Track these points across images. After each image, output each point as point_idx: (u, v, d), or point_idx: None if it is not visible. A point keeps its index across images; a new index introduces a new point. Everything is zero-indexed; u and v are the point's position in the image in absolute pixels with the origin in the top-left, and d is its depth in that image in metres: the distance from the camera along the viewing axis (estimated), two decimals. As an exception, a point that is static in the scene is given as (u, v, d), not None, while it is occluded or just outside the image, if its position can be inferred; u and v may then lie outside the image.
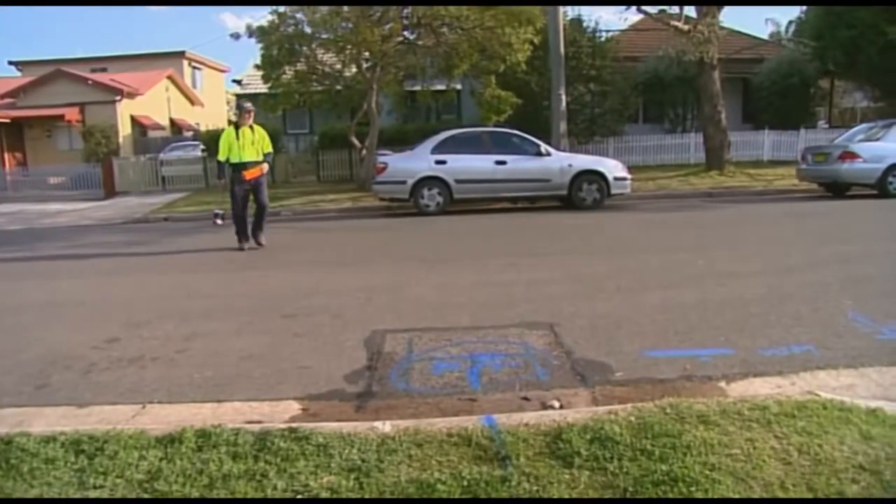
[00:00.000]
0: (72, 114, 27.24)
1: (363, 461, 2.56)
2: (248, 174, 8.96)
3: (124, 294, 6.65)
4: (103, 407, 3.55)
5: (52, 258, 9.76)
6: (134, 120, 29.42)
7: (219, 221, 10.24)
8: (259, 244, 9.20)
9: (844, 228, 9.44)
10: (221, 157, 9.09)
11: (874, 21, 19.26)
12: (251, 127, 9.04)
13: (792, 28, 31.92)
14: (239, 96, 19.65)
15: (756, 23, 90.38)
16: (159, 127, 31.53)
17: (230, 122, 8.98)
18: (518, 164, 12.52)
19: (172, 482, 2.45)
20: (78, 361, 4.34)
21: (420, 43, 16.97)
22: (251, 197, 9.24)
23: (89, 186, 22.24)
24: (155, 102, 31.46)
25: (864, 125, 15.20)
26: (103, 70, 33.78)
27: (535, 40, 16.19)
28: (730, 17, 24.36)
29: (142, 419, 3.36)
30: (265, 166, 9.17)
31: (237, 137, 8.94)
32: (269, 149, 9.27)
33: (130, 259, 9.37)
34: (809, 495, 2.23)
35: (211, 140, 22.10)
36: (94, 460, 2.63)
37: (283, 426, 2.93)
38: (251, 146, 8.96)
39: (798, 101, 22.42)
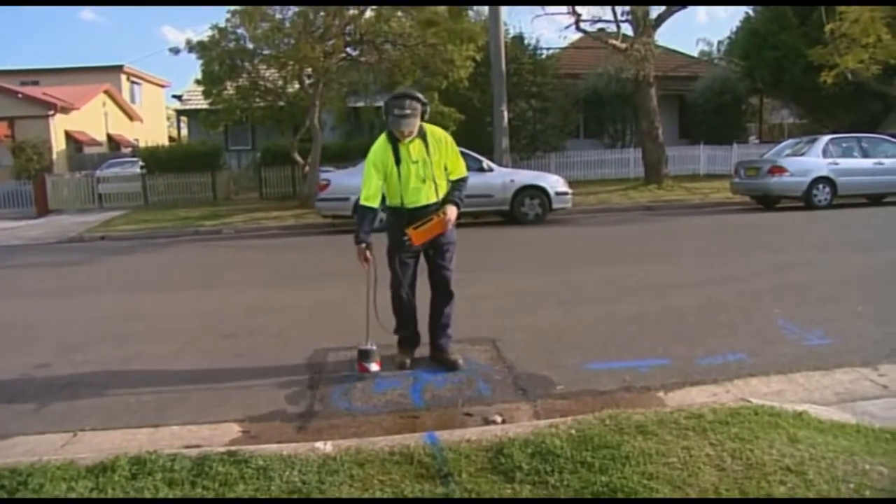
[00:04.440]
0: (0, 128, 26.14)
1: (304, 483, 2.52)
2: (419, 235, 4.10)
3: (57, 316, 6.41)
4: (29, 437, 3.41)
5: (-22, 281, 9.32)
6: (68, 135, 28.41)
7: (373, 367, 4.11)
8: (448, 361, 4.27)
9: (775, 239, 9.82)
10: (365, 200, 4.13)
11: (796, 44, 20.31)
12: (424, 139, 4.12)
13: (723, 48, 33.28)
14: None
15: (688, 42, 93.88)
16: (96, 143, 30.53)
17: (387, 128, 4.10)
18: None
19: (103, 513, 2.37)
20: (3, 389, 4.15)
21: (363, 59, 16.98)
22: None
23: (20, 204, 21.34)
24: (91, 118, 30.48)
25: (790, 140, 15.92)
26: (35, 83, 32.53)
27: (477, 57, 16.43)
28: (664, 37, 25.28)
29: (72, 448, 3.23)
30: (451, 213, 4.20)
31: (396, 160, 4.09)
32: (462, 170, 4.34)
33: (64, 280, 9.03)
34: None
35: (150, 157, 21.64)
36: (16, 496, 2.51)
37: (222, 450, 2.86)
38: (420, 181, 4.15)
39: (731, 117, 23.44)
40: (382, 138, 4.18)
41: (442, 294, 4.38)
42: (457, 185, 4.30)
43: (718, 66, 27.24)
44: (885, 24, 16.05)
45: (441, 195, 4.21)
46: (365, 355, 4.10)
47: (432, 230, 4.10)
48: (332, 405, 3.70)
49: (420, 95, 4.11)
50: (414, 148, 4.10)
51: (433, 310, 4.41)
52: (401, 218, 4.17)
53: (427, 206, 4.16)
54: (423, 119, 4.10)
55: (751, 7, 23.55)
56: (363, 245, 4.06)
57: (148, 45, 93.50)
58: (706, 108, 23.25)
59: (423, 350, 4.43)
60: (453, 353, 4.34)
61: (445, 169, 4.24)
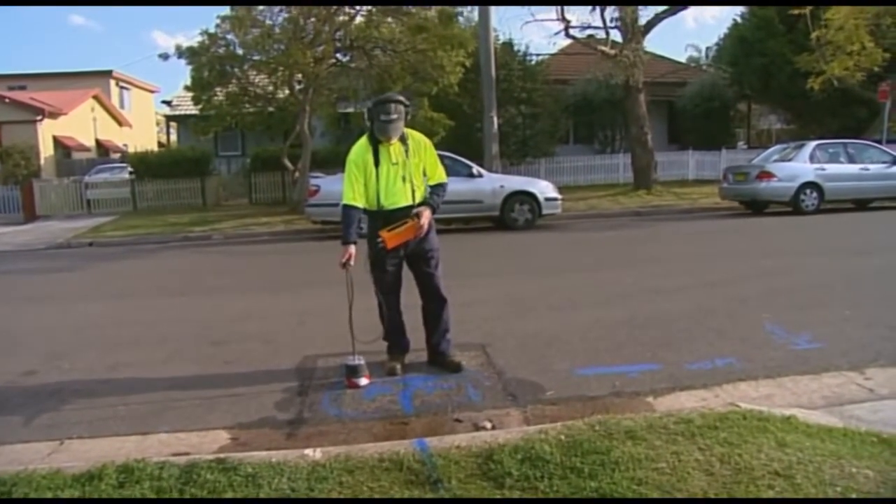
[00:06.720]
0: (-14, 133, 25.96)
1: (293, 490, 2.51)
2: (392, 237, 4.12)
3: (44, 323, 6.35)
4: (15, 446, 3.38)
5: (-36, 287, 9.24)
6: (57, 141, 28.26)
7: (362, 382, 4.04)
8: (452, 364, 4.30)
9: (763, 244, 9.89)
10: (349, 199, 4.17)
11: (782, 51, 20.53)
12: (404, 142, 4.20)
13: (711, 54, 33.56)
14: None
15: (677, 49, 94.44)
16: (84, 148, 30.38)
17: (369, 131, 4.20)
18: (450, 186, 12.55)
19: (89, 522, 2.35)
20: (-12, 397, 4.11)
21: (353, 65, 17.01)
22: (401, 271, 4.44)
23: (7, 210, 21.19)
24: (80, 123, 30.32)
25: (778, 146, 16.02)
26: (22, 88, 32.35)
27: (467, 63, 16.47)
28: (653, 43, 25.51)
29: (59, 457, 3.20)
30: (425, 215, 4.16)
31: (376, 161, 4.14)
32: (441, 176, 4.42)
33: (52, 286, 8.96)
34: (731, 505, 2.31)
35: (139, 162, 21.55)
36: (5, 502, 2.49)
37: (210, 457, 2.85)
38: (400, 181, 4.17)
39: (719, 122, 23.63)
40: (364, 139, 4.21)
41: (435, 301, 4.36)
42: (436, 189, 4.33)
43: (707, 72, 27.46)
44: (868, 32, 16.25)
45: (418, 199, 4.22)
46: (353, 371, 4.05)
47: (406, 233, 4.11)
48: (322, 412, 3.68)
49: (403, 98, 4.15)
50: (394, 150, 4.15)
51: (429, 317, 4.38)
52: (377, 221, 4.20)
53: (404, 209, 4.16)
54: (406, 120, 4.14)
55: (738, 14, 23.79)
56: (352, 246, 4.07)
57: (138, 49, 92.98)
58: (695, 114, 23.43)
59: (412, 356, 4.42)
60: (455, 355, 4.37)
61: (424, 174, 4.27)
